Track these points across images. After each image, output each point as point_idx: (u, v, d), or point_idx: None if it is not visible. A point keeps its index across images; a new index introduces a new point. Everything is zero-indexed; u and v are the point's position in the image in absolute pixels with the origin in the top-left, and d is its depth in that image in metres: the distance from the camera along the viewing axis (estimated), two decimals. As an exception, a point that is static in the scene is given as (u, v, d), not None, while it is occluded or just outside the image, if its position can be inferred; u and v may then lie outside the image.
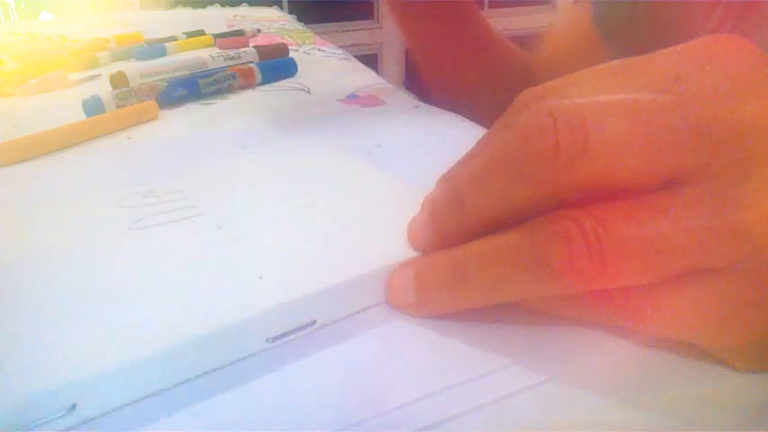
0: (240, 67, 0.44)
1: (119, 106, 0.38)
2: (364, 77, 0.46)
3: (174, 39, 0.60)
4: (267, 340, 0.16)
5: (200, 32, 0.63)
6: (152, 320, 0.16)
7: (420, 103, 0.39)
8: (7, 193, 0.27)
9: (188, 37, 0.61)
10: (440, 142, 0.31)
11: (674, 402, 0.14)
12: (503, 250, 0.15)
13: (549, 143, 0.14)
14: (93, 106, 0.37)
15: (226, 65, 0.47)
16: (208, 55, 0.48)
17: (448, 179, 0.19)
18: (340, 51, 0.56)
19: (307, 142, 0.31)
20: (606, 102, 0.14)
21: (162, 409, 0.14)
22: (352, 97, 0.40)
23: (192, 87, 0.40)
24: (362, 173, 0.26)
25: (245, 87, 0.43)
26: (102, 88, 0.39)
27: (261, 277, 0.18)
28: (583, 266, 0.14)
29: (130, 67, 0.46)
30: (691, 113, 0.14)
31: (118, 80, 0.46)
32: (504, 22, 2.34)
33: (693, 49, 0.15)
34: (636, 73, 0.16)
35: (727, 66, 0.15)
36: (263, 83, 0.44)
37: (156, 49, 0.57)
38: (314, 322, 0.17)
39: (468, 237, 0.17)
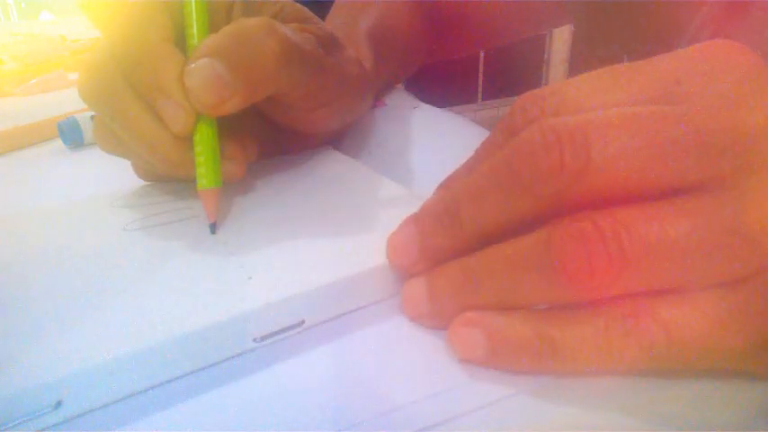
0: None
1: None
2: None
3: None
4: (255, 340, 0.16)
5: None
6: (140, 318, 0.16)
7: (420, 103, 0.39)
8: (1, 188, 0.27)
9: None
10: (439, 142, 0.31)
11: (674, 402, 0.14)
12: (515, 255, 0.15)
13: (554, 160, 0.14)
14: (70, 134, 0.33)
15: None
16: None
17: (440, 196, 0.18)
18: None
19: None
20: (607, 117, 0.14)
21: (147, 408, 0.14)
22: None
23: None
24: (360, 173, 0.26)
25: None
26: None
27: (250, 278, 0.18)
28: (602, 268, 0.13)
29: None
30: (692, 125, 0.14)
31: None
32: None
33: (693, 54, 0.15)
34: (636, 76, 0.15)
35: (726, 71, 0.15)
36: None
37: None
38: (302, 323, 0.17)
39: (458, 253, 0.16)
